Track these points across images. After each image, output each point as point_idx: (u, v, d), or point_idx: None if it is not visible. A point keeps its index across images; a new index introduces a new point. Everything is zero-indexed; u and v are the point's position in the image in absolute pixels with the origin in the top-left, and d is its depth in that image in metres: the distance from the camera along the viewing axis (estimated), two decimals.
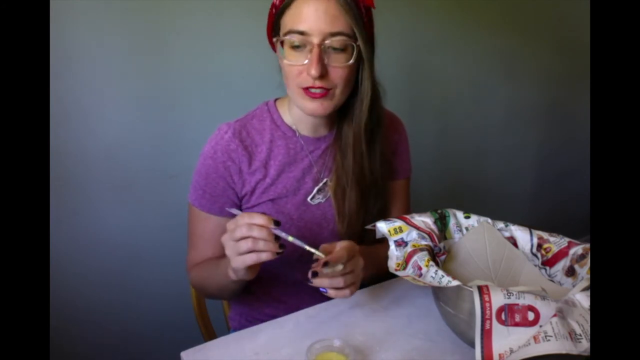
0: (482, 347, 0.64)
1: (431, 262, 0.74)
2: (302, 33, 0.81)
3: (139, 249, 1.41)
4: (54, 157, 1.21)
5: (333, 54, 0.82)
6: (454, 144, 2.00)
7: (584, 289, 0.69)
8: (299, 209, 0.95)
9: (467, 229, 0.89)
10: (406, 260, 0.78)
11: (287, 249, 0.85)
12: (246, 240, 0.72)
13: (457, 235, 0.89)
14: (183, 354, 0.77)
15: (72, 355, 1.38)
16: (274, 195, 0.93)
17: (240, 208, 0.95)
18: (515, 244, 0.88)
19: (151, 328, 1.48)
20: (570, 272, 0.82)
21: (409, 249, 0.80)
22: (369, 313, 0.86)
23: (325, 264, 0.75)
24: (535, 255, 0.87)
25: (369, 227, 0.88)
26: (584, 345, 0.60)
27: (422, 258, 0.76)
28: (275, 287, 1.01)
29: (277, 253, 0.73)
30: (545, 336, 0.61)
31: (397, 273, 0.77)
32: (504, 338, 0.64)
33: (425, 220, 0.86)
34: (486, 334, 0.64)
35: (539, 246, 0.87)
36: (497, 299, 0.65)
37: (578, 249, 0.82)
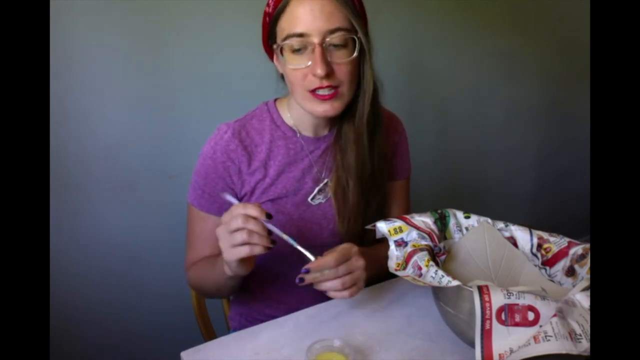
0: (482, 347, 0.64)
1: (431, 262, 0.74)
2: (301, 35, 0.80)
3: (139, 249, 1.41)
4: (54, 157, 1.21)
5: (335, 51, 0.82)
6: (454, 144, 2.00)
7: (584, 289, 0.69)
8: (299, 209, 0.95)
9: (467, 229, 0.89)
10: (406, 260, 0.78)
11: (287, 249, 0.85)
12: (241, 232, 0.72)
13: (457, 235, 0.89)
14: (183, 354, 0.77)
15: (72, 355, 1.38)
16: (274, 195, 0.93)
17: None
18: (515, 244, 0.88)
19: (151, 328, 1.48)
20: (570, 272, 0.82)
21: (409, 249, 0.80)
22: (369, 313, 0.86)
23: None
24: (535, 255, 0.87)
25: (369, 227, 0.88)
26: (584, 345, 0.60)
27: (422, 258, 0.76)
28: (275, 288, 1.01)
29: (268, 248, 0.74)
30: (545, 336, 0.61)
31: (397, 273, 0.77)
32: (504, 338, 0.64)
33: (425, 220, 0.86)
34: (486, 334, 0.64)
35: (539, 246, 0.87)
36: (497, 299, 0.65)
37: (578, 249, 0.82)
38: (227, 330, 1.13)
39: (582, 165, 2.41)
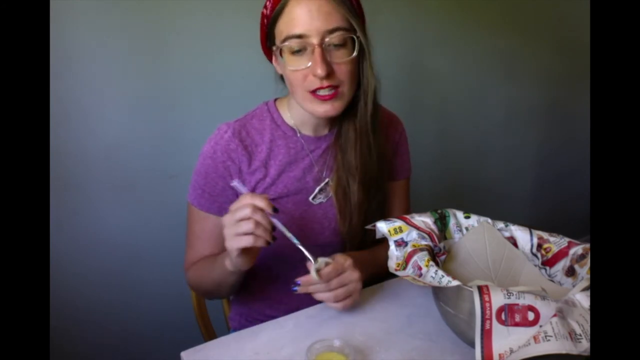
0: (482, 347, 0.64)
1: (431, 262, 0.74)
2: (300, 36, 0.80)
3: (139, 249, 1.41)
4: (54, 157, 1.21)
5: (334, 51, 0.82)
6: (454, 144, 2.00)
7: (584, 289, 0.69)
8: (300, 209, 0.95)
9: (467, 229, 0.89)
10: (406, 260, 0.78)
11: (287, 248, 0.85)
12: (247, 222, 0.73)
13: (457, 235, 0.89)
14: (183, 354, 0.77)
15: (72, 355, 1.38)
16: (275, 194, 0.93)
17: None
18: (515, 244, 0.88)
19: (151, 328, 1.48)
20: (570, 272, 0.82)
21: (409, 249, 0.80)
22: (369, 313, 0.86)
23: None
24: (535, 255, 0.87)
25: (369, 227, 0.88)
26: (584, 345, 0.60)
27: (422, 258, 0.76)
28: (276, 288, 1.00)
29: (268, 242, 0.76)
30: (545, 336, 0.61)
31: (397, 273, 0.77)
32: (504, 338, 0.64)
33: (425, 220, 0.86)
34: (486, 334, 0.64)
35: (539, 246, 0.87)
36: (497, 299, 0.65)
37: (578, 249, 0.82)
38: (227, 330, 1.13)
39: (582, 165, 2.41)
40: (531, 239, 0.87)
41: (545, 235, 0.87)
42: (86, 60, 1.23)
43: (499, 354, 0.63)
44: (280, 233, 0.78)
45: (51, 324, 1.09)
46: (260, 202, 0.74)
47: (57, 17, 1.16)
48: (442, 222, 0.89)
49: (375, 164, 0.95)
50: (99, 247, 1.35)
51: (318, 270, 0.79)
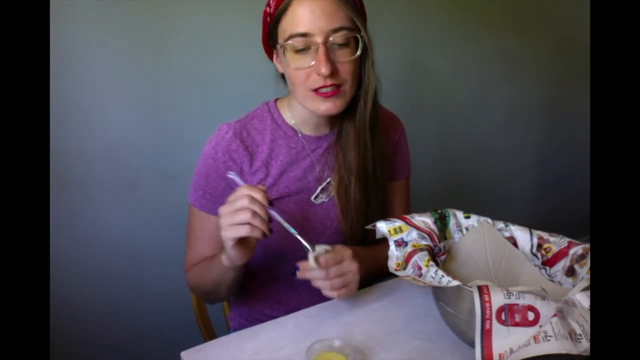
0: (482, 347, 0.64)
1: (431, 262, 0.74)
2: (304, 35, 0.81)
3: (139, 249, 1.41)
4: (54, 157, 1.21)
5: (338, 50, 0.83)
6: (454, 144, 2.00)
7: (584, 289, 0.69)
8: (302, 208, 0.95)
9: (467, 229, 0.89)
10: (406, 260, 0.78)
11: (288, 247, 0.85)
12: (244, 212, 0.74)
13: (457, 235, 0.89)
14: (183, 354, 0.77)
15: (72, 355, 1.38)
16: (276, 194, 0.93)
17: None
18: (515, 244, 0.88)
19: (151, 328, 1.48)
20: (570, 272, 0.82)
21: (409, 249, 0.80)
22: (369, 313, 0.86)
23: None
24: (535, 255, 0.87)
25: (369, 227, 0.88)
26: (584, 345, 0.60)
27: (422, 258, 0.76)
28: (276, 288, 1.00)
29: (264, 235, 0.76)
30: (545, 336, 0.61)
31: (397, 273, 0.77)
32: (504, 338, 0.64)
33: (425, 220, 0.86)
34: (486, 334, 0.64)
35: (539, 246, 0.87)
36: (497, 299, 0.65)
37: (578, 249, 0.82)
38: (227, 330, 1.13)
39: (582, 165, 2.41)
40: (531, 239, 0.87)
41: (545, 235, 0.87)
42: (86, 60, 1.23)
43: (499, 354, 0.63)
44: (277, 226, 0.78)
45: (51, 324, 1.09)
46: (257, 194, 0.74)
47: (57, 17, 1.16)
48: (442, 222, 0.89)
49: (375, 163, 0.95)
50: (99, 247, 1.35)
51: (317, 258, 0.79)
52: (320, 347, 0.71)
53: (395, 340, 0.79)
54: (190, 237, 0.97)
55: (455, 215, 0.90)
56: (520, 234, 0.88)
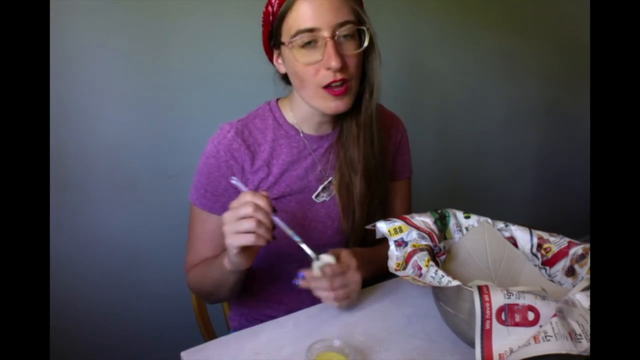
0: (482, 347, 0.64)
1: (431, 262, 0.74)
2: (311, 30, 0.81)
3: (139, 249, 1.41)
4: (54, 157, 1.21)
5: (344, 44, 0.83)
6: (454, 144, 2.00)
7: (584, 289, 0.69)
8: (303, 208, 0.95)
9: (467, 229, 0.89)
10: (406, 260, 0.78)
11: (289, 248, 0.85)
12: (249, 220, 0.73)
13: (457, 235, 0.89)
14: (183, 354, 0.77)
15: (72, 355, 1.38)
16: (278, 193, 0.93)
17: None
18: (515, 244, 0.88)
19: (151, 328, 1.48)
20: (570, 272, 0.82)
21: (409, 249, 0.80)
22: (369, 313, 0.86)
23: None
24: (535, 255, 0.87)
25: (369, 227, 0.88)
26: (584, 345, 0.60)
27: (422, 258, 0.76)
28: (276, 288, 1.00)
29: (268, 241, 0.76)
30: (545, 336, 0.61)
31: (397, 273, 0.77)
32: (504, 338, 0.64)
33: (425, 220, 0.86)
34: (486, 334, 0.64)
35: (539, 246, 0.87)
36: (497, 299, 0.65)
37: (578, 249, 0.82)
38: (227, 330, 1.13)
39: (582, 165, 2.41)
40: (531, 239, 0.87)
41: (545, 235, 0.87)
42: (86, 60, 1.23)
43: (499, 354, 0.63)
44: (280, 232, 0.78)
45: (51, 324, 1.09)
46: (261, 201, 0.74)
47: (57, 17, 1.16)
48: (442, 222, 0.89)
49: (376, 157, 0.95)
50: (99, 247, 1.35)
51: (322, 268, 0.79)
52: (320, 347, 0.71)
53: (396, 340, 0.79)
54: (191, 237, 0.97)
55: (455, 215, 0.90)
56: (520, 234, 0.88)
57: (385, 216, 0.87)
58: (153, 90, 1.32)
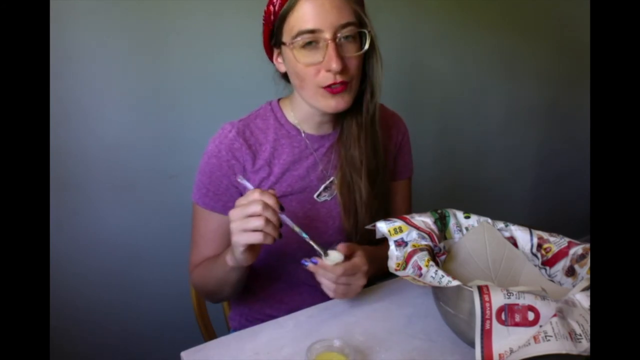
0: (482, 347, 0.64)
1: (431, 262, 0.74)
2: (312, 31, 0.81)
3: (139, 249, 1.41)
4: (54, 157, 1.21)
5: (346, 45, 0.83)
6: (454, 144, 2.00)
7: (584, 289, 0.69)
8: (304, 207, 0.95)
9: (467, 229, 0.89)
10: (406, 260, 0.78)
11: (290, 247, 0.85)
12: (257, 219, 0.73)
13: (457, 235, 0.89)
14: (183, 354, 0.77)
15: (72, 355, 1.38)
16: (279, 193, 0.93)
17: None
18: (515, 244, 0.88)
19: (151, 328, 1.48)
20: (570, 272, 0.82)
21: (409, 249, 0.80)
22: (369, 313, 0.86)
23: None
24: (535, 255, 0.87)
25: (369, 227, 0.88)
26: (584, 345, 0.60)
27: (422, 258, 0.76)
28: (277, 288, 1.01)
29: (274, 240, 0.76)
30: (545, 336, 0.61)
31: (397, 273, 0.77)
32: (504, 338, 0.64)
33: (425, 220, 0.86)
34: (486, 334, 0.64)
35: (539, 246, 0.87)
36: (497, 299, 0.65)
37: (578, 249, 0.82)
38: (227, 330, 1.13)
39: (582, 165, 2.41)
40: (531, 239, 0.87)
41: (545, 235, 0.87)
42: (86, 60, 1.22)
43: (499, 354, 0.63)
44: (286, 231, 0.78)
45: (51, 324, 1.09)
46: (270, 199, 0.74)
47: (57, 17, 1.16)
48: (442, 222, 0.89)
49: (377, 158, 0.95)
50: (99, 247, 1.35)
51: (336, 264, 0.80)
52: (320, 347, 0.71)
53: (396, 340, 0.79)
54: (194, 236, 0.97)
55: (455, 215, 0.90)
56: (520, 234, 0.88)
57: (386, 216, 0.87)
58: (153, 90, 1.32)
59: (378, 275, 0.95)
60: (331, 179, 0.96)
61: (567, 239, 0.85)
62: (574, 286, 0.77)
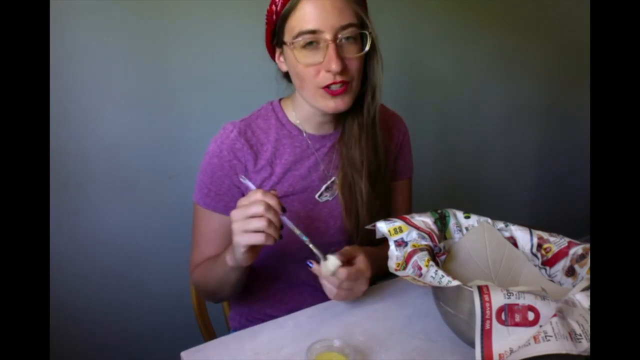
0: (482, 347, 0.64)
1: (431, 262, 0.74)
2: (313, 32, 0.81)
3: (139, 249, 1.41)
4: (54, 157, 1.21)
5: (346, 46, 0.83)
6: (454, 144, 2.00)
7: (584, 289, 0.69)
8: (305, 207, 0.95)
9: (467, 229, 0.89)
10: (406, 260, 0.78)
11: (291, 246, 0.85)
12: (260, 219, 0.73)
13: (457, 235, 0.89)
14: (183, 354, 0.77)
15: (72, 355, 1.38)
16: (280, 193, 0.93)
17: None
18: (515, 244, 0.88)
19: (151, 328, 1.48)
20: (570, 272, 0.82)
21: (409, 249, 0.80)
22: (369, 313, 0.86)
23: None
24: (535, 255, 0.87)
25: (369, 227, 0.88)
26: (584, 345, 0.60)
27: (422, 258, 0.76)
28: (277, 288, 1.01)
29: (275, 240, 0.76)
30: (545, 336, 0.61)
31: (397, 273, 0.77)
32: (504, 338, 0.64)
33: (425, 220, 0.86)
34: (486, 334, 0.64)
35: (539, 246, 0.87)
36: (497, 299, 0.65)
37: (578, 249, 0.82)
38: (227, 330, 1.13)
39: (582, 165, 2.41)
40: (531, 239, 0.87)
41: (545, 235, 0.87)
42: (86, 60, 1.23)
43: (499, 354, 0.63)
44: (286, 232, 0.78)
45: (51, 324, 1.09)
46: (272, 200, 0.74)
47: (57, 17, 1.16)
48: (442, 222, 0.89)
49: (378, 157, 0.95)
50: (99, 247, 1.35)
51: (337, 269, 0.80)
52: (320, 347, 0.71)
53: (396, 340, 0.79)
54: (195, 236, 0.97)
55: (455, 215, 0.90)
56: (520, 234, 0.88)
57: (387, 216, 0.87)
58: (153, 90, 1.32)
59: (378, 275, 0.95)
60: (332, 179, 0.97)
61: (567, 239, 0.85)
62: (574, 286, 0.77)
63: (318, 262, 0.81)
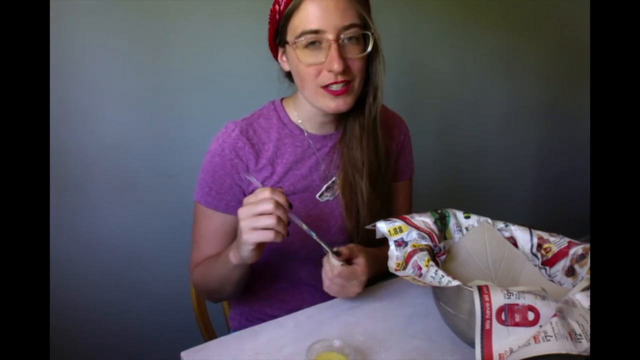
0: (482, 347, 0.64)
1: (431, 262, 0.74)
2: (316, 32, 0.81)
3: (139, 249, 1.41)
4: (54, 157, 1.21)
5: (349, 47, 0.83)
6: (454, 144, 2.00)
7: (584, 289, 0.69)
8: (307, 207, 0.95)
9: (467, 229, 0.89)
10: (406, 260, 0.78)
11: (292, 247, 0.85)
12: (269, 217, 0.73)
13: (457, 235, 0.89)
14: (183, 354, 0.77)
15: (72, 355, 1.38)
16: None
17: None
18: (515, 244, 0.88)
19: (151, 328, 1.48)
20: (570, 272, 0.82)
21: (409, 249, 0.80)
22: (369, 313, 0.86)
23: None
24: (535, 255, 0.87)
25: (369, 227, 0.88)
26: (584, 345, 0.60)
27: (422, 258, 0.76)
28: (278, 287, 1.01)
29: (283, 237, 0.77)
30: (545, 336, 0.61)
31: (397, 273, 0.77)
32: (504, 338, 0.64)
33: (425, 220, 0.86)
34: (486, 334, 0.64)
35: (539, 246, 0.87)
36: (497, 299, 0.65)
37: (578, 249, 0.82)
38: (227, 330, 1.13)
39: (582, 165, 2.41)
40: (531, 239, 0.87)
41: (545, 235, 0.87)
42: (86, 60, 1.23)
43: (499, 354, 0.63)
44: (293, 229, 0.78)
45: (51, 324, 1.09)
46: (280, 198, 0.74)
47: (57, 17, 1.16)
48: (442, 222, 0.89)
49: (379, 158, 0.96)
50: (99, 247, 1.35)
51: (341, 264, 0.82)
52: (320, 347, 0.71)
53: (396, 340, 0.79)
54: (196, 235, 0.97)
55: (455, 215, 0.90)
56: (520, 234, 0.88)
57: (387, 216, 0.87)
58: (153, 90, 1.32)
59: (379, 275, 0.95)
60: (333, 179, 0.97)
61: (567, 239, 0.85)
62: (574, 286, 0.77)
63: (326, 254, 0.82)
